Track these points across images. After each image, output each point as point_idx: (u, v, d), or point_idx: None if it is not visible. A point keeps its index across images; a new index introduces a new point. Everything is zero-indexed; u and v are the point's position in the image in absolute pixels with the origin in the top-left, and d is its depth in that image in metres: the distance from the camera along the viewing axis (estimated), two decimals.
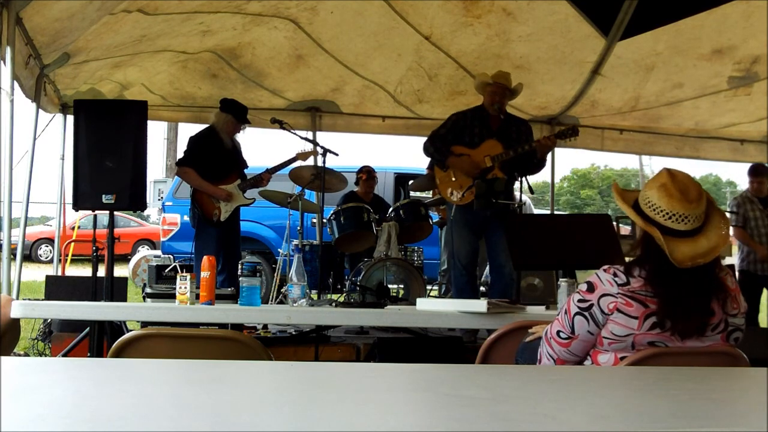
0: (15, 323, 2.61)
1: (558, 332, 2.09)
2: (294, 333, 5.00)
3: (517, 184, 5.05)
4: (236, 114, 5.55)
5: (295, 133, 5.91)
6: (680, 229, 1.99)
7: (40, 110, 5.42)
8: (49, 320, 5.20)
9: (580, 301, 2.05)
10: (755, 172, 6.53)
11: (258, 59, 6.13)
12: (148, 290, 4.32)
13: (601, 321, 2.01)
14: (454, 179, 5.08)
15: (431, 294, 7.02)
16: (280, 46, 5.97)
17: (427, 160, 6.27)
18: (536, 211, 10.98)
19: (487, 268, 5.56)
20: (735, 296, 2.05)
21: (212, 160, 5.46)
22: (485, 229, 5.13)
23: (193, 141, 5.57)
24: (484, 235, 5.19)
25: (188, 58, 6.00)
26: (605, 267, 2.06)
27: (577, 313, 2.04)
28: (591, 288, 2.04)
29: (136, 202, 5.04)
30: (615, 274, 2.02)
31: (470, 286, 5.13)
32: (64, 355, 4.42)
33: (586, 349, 2.08)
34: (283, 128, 5.77)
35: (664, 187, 2.01)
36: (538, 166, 5.08)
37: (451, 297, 5.60)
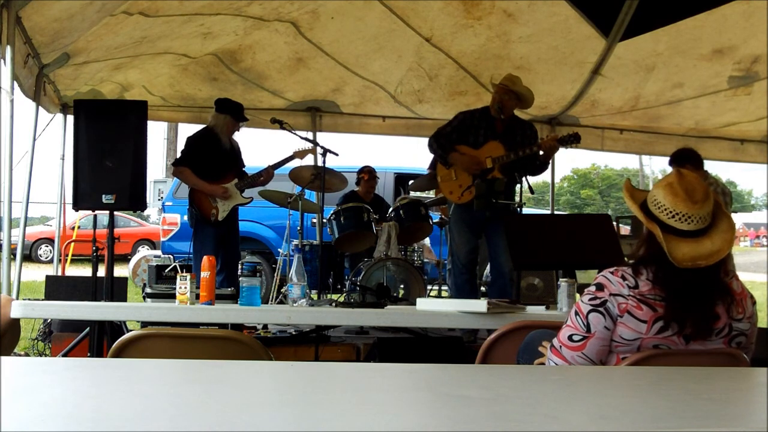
0: (15, 323, 2.62)
1: (570, 336, 2.04)
2: (294, 333, 5.00)
3: (517, 185, 5.05)
4: (234, 113, 5.55)
5: (295, 133, 5.91)
6: (683, 228, 1.98)
7: (40, 110, 5.42)
8: (49, 320, 5.19)
9: (591, 299, 2.02)
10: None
11: (258, 63, 6.13)
12: (148, 290, 4.31)
13: (614, 317, 1.99)
14: (455, 178, 5.09)
15: (431, 294, 7.02)
16: (281, 50, 5.97)
17: (429, 160, 6.27)
18: (536, 212, 10.99)
19: (488, 267, 5.56)
20: (741, 301, 2.03)
21: (209, 160, 5.46)
22: (485, 229, 5.14)
23: (191, 141, 5.57)
24: (484, 234, 5.19)
25: (189, 62, 6.01)
26: (611, 269, 2.04)
27: (591, 310, 2.01)
28: (601, 287, 2.02)
29: (136, 202, 5.04)
30: (623, 277, 2.00)
31: (470, 284, 5.14)
32: (64, 355, 4.42)
33: (601, 353, 2.03)
34: (283, 128, 5.77)
35: (671, 186, 2.01)
36: (539, 169, 5.08)
37: (450, 296, 5.60)
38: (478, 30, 5.75)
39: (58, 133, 6.36)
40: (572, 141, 4.90)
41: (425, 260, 7.39)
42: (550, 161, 5.57)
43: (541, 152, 4.96)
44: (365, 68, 6.32)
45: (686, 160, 5.23)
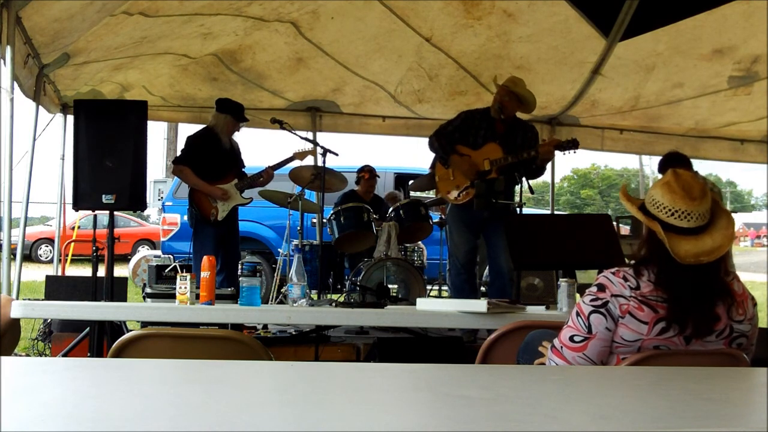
0: (15, 323, 2.61)
1: (571, 337, 2.04)
2: (294, 333, 5.00)
3: (517, 185, 5.05)
4: (235, 113, 5.55)
5: (295, 133, 5.91)
6: (683, 226, 1.99)
7: (40, 110, 5.42)
8: (49, 320, 5.19)
9: (593, 300, 2.02)
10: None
11: (258, 63, 6.13)
12: (148, 290, 4.32)
13: (616, 318, 1.99)
14: (452, 178, 5.09)
15: (431, 294, 7.02)
16: (281, 50, 5.97)
17: (429, 160, 6.27)
18: (536, 212, 10.99)
19: (488, 267, 5.56)
20: (741, 302, 2.03)
21: (209, 160, 5.46)
22: (484, 229, 5.13)
23: (191, 141, 5.57)
24: (483, 235, 5.19)
25: (189, 62, 6.01)
26: (613, 270, 2.04)
27: (592, 311, 2.01)
28: (602, 288, 2.02)
29: (136, 202, 5.04)
30: (625, 278, 2.00)
31: (468, 285, 5.14)
32: (64, 355, 4.42)
33: (602, 354, 2.03)
34: (284, 128, 5.78)
35: (668, 184, 2.02)
36: (536, 173, 5.08)
37: (449, 296, 5.60)
38: (478, 30, 5.75)
39: (58, 133, 6.37)
40: (570, 147, 4.89)
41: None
42: (549, 164, 5.56)
43: (539, 158, 4.95)
44: (365, 68, 6.32)
45: (675, 162, 5.22)
